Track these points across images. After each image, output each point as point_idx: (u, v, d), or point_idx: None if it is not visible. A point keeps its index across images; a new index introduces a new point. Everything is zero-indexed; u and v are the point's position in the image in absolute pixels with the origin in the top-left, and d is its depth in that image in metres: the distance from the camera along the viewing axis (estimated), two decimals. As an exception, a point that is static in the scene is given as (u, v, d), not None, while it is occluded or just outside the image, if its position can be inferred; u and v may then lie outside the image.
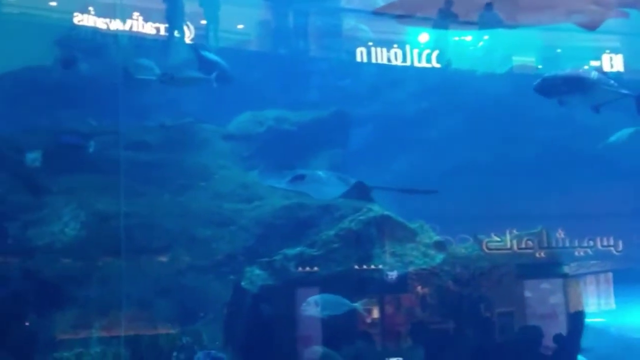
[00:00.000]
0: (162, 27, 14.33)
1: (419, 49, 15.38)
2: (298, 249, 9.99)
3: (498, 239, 10.42)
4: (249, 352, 8.88)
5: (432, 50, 15.34)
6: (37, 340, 9.33)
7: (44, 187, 10.83)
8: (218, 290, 10.26)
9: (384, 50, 15.34)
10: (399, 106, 14.79)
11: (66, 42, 13.44)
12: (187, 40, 14.06)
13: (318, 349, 9.11)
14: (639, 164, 13.21)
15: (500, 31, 13.10)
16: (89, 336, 9.30)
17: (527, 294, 10.44)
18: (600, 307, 12.69)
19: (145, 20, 14.26)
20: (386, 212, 10.51)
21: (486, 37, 15.55)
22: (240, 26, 15.72)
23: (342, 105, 14.02)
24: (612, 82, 9.45)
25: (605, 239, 10.91)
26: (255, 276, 9.62)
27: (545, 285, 10.62)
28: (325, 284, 9.47)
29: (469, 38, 15.76)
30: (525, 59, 16.18)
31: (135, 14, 14.20)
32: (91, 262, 10.22)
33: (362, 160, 13.33)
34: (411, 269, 9.90)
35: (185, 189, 11.68)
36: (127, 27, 14.02)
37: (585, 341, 10.17)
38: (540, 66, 15.88)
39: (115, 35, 13.80)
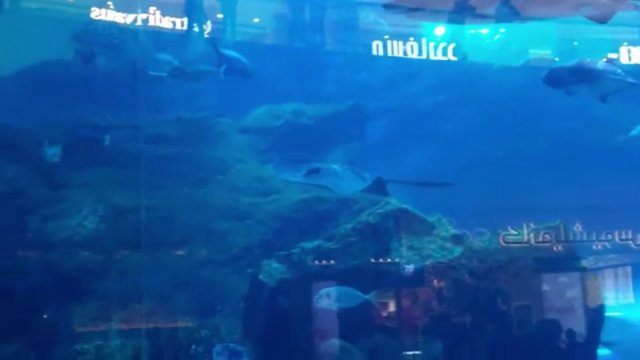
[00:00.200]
0: (180, 22, 14.27)
1: (435, 42, 15.25)
2: (316, 243, 9.97)
3: (515, 233, 10.33)
4: (267, 345, 8.85)
5: (448, 43, 15.21)
6: (57, 332, 9.35)
7: (63, 181, 10.85)
8: (236, 283, 10.25)
9: (400, 43, 15.23)
10: (415, 99, 14.70)
11: (84, 37, 13.43)
12: (205, 34, 13.99)
13: (335, 341, 9.08)
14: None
15: (517, 24, 12.95)
16: (109, 329, 9.29)
17: (545, 287, 10.36)
18: (619, 300, 12.56)
19: (163, 14, 14.22)
20: (404, 206, 10.44)
21: (502, 30, 15.39)
22: (256, 20, 15.68)
23: (359, 99, 13.95)
24: (619, 71, 9.34)
25: (623, 232, 10.80)
26: (273, 269, 9.61)
27: (563, 279, 10.54)
28: (343, 278, 9.44)
29: (485, 31, 15.60)
30: (542, 52, 16.02)
31: (153, 9, 14.15)
32: (110, 255, 10.21)
33: (378, 154, 13.26)
34: (429, 262, 9.84)
35: (202, 183, 11.69)
36: (144, 22, 13.96)
37: (610, 335, 10.08)
38: (556, 59, 15.70)
39: (133, 30, 13.77)
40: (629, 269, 12.63)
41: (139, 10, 13.86)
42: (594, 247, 10.85)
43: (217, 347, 8.33)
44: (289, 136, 13.12)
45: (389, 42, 15.30)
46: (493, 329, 9.79)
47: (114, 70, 12.80)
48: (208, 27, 14.43)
